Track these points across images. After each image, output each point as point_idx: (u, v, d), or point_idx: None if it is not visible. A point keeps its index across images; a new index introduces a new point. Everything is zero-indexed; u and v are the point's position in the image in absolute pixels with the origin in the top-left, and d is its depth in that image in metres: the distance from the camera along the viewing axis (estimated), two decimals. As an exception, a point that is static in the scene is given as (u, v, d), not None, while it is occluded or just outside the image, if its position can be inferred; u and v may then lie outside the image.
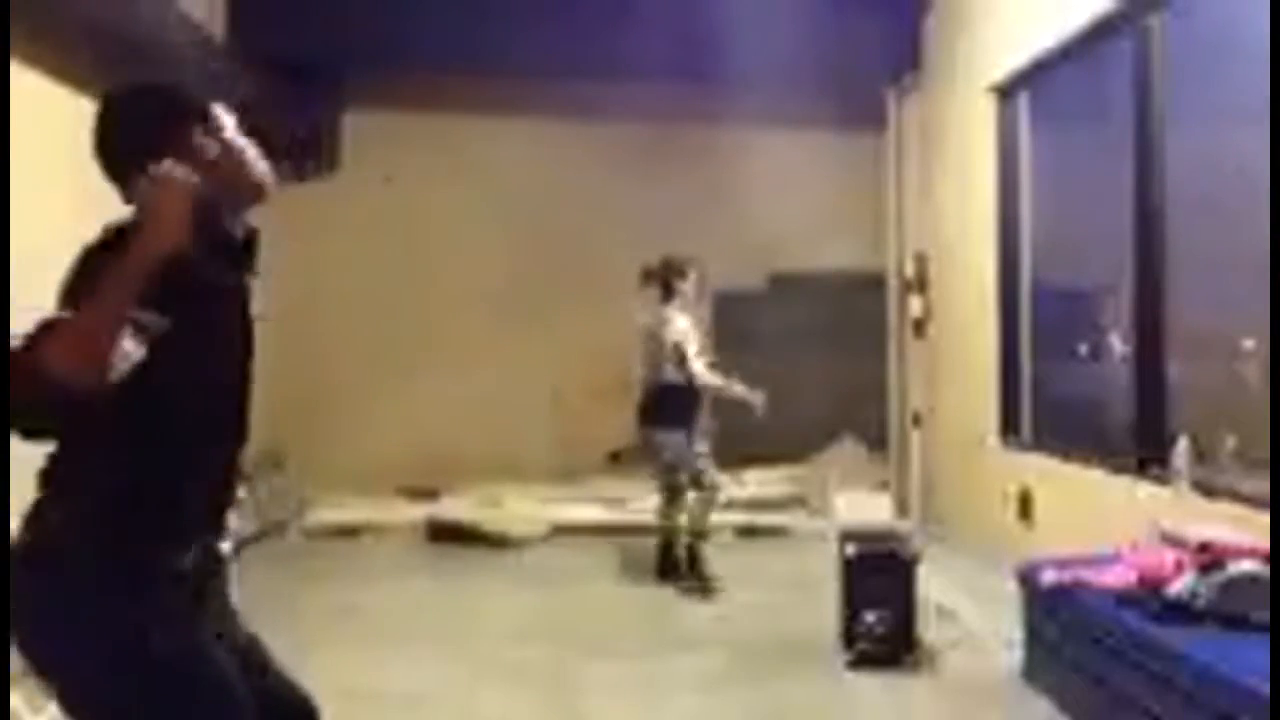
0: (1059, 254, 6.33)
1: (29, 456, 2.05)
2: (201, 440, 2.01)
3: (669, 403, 6.03)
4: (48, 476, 2.00)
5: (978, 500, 6.57)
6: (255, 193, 2.11)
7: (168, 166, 1.86)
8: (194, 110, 2.07)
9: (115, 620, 1.89)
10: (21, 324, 1.87)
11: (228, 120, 2.11)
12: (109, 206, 2.06)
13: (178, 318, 1.82)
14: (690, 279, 6.15)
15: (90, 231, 2.00)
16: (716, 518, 7.84)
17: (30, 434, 1.93)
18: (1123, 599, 3.72)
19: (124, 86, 2.09)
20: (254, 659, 2.09)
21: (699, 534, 6.10)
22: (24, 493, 2.03)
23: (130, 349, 1.75)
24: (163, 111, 2.04)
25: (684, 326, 6.01)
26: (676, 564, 6.11)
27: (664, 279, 6.13)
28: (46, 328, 1.81)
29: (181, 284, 1.81)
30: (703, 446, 6.15)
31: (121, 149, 2.01)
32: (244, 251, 2.10)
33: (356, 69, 8.27)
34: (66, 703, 1.94)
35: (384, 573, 6.52)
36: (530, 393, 8.75)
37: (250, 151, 2.11)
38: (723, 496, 6.46)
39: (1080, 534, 4.93)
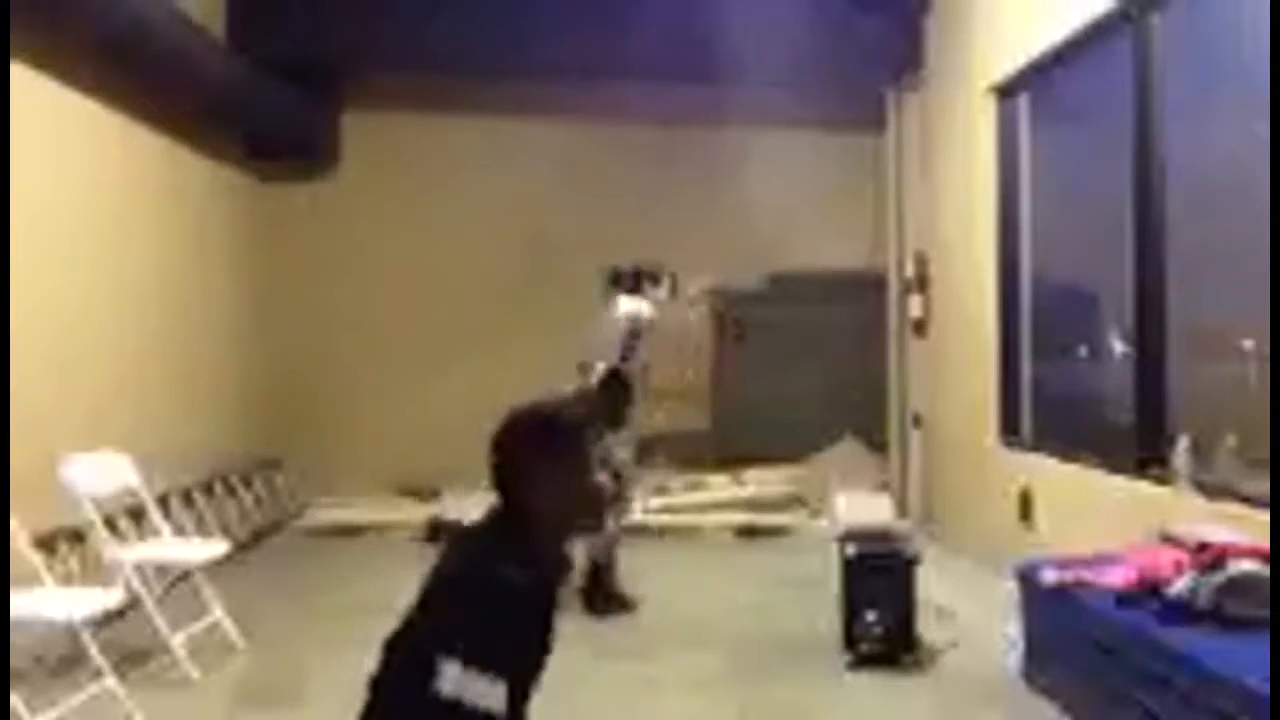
0: (1059, 253, 6.32)
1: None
2: None
3: (616, 397, 5.56)
4: None
5: (978, 500, 6.56)
6: (597, 524, 2.12)
7: None
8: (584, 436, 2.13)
9: None
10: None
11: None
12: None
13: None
14: (664, 285, 5.98)
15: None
16: (716, 518, 7.89)
17: None
18: (1123, 599, 3.71)
19: (532, 415, 2.17)
20: None
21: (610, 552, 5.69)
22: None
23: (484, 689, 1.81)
24: (573, 439, 2.10)
25: (649, 315, 5.68)
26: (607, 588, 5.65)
27: (634, 284, 5.86)
28: None
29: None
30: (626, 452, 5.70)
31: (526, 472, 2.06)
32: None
33: (356, 69, 8.27)
34: None
35: (384, 572, 6.50)
36: (530, 391, 8.73)
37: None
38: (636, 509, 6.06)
39: (1080, 534, 4.93)
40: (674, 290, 6.01)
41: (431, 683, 1.80)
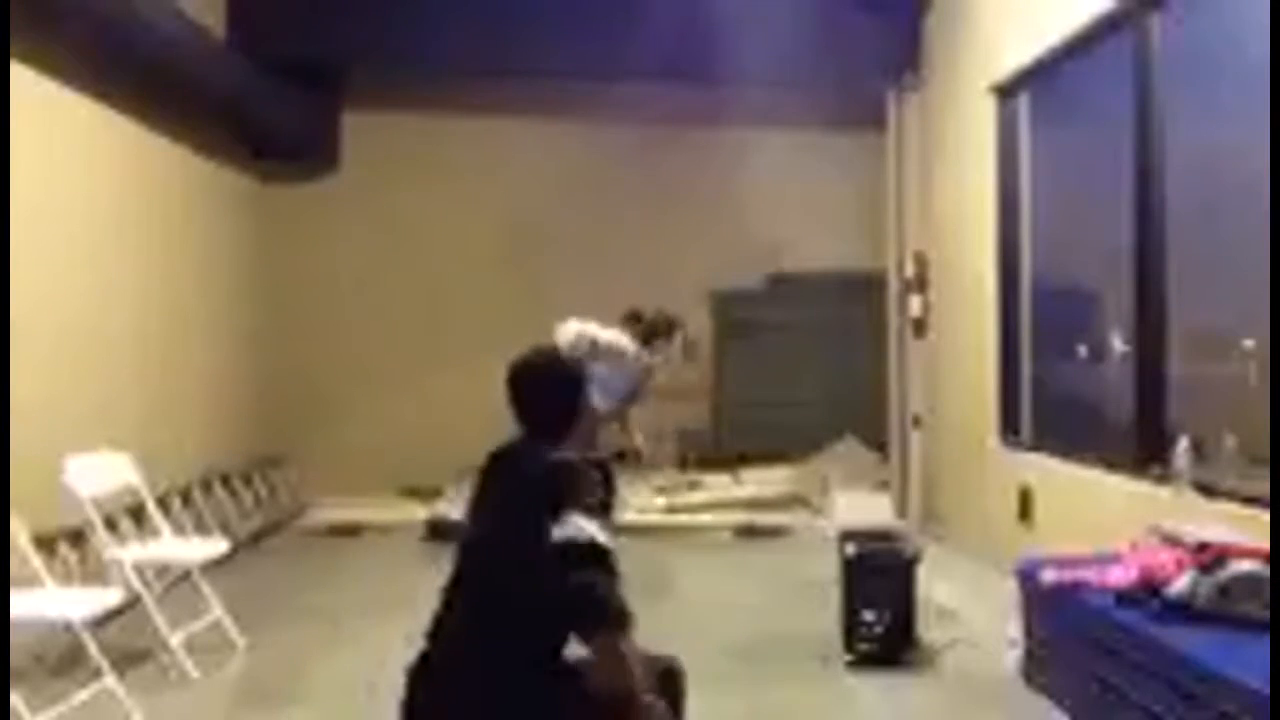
0: (1059, 253, 6.32)
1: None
2: None
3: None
4: None
5: (978, 500, 6.56)
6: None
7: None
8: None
9: None
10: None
11: None
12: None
13: None
14: (675, 341, 5.89)
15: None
16: (716, 518, 7.89)
17: None
18: (1123, 599, 3.71)
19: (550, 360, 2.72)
20: None
21: None
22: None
23: None
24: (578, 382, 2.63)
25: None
26: None
27: (648, 332, 5.81)
28: None
29: None
30: None
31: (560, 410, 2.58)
32: None
33: (356, 69, 8.27)
34: None
35: (384, 572, 6.51)
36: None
37: None
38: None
39: (1080, 534, 4.93)
40: (684, 349, 5.97)
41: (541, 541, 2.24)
